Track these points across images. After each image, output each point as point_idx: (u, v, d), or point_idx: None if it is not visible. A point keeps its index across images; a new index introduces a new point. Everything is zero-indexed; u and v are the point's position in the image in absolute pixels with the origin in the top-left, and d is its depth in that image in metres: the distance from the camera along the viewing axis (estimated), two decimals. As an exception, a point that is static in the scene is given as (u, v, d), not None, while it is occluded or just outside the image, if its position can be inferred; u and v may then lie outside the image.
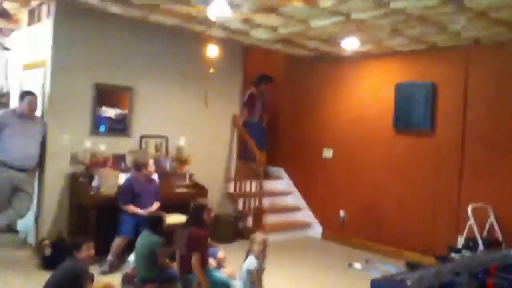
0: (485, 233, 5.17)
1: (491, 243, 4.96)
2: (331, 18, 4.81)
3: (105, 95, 5.62)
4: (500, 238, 5.07)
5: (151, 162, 5.24)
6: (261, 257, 4.01)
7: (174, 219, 5.09)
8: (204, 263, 4.11)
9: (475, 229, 5.03)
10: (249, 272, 3.93)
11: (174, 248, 4.46)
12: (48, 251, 4.73)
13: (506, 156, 5.24)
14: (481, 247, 4.87)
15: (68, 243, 4.34)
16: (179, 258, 4.24)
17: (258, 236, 4.11)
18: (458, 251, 4.87)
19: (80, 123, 5.41)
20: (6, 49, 6.75)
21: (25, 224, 5.55)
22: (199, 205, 4.35)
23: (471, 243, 4.96)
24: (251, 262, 3.96)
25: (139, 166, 5.10)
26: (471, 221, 5.08)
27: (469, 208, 5.10)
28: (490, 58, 5.42)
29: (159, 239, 4.37)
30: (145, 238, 4.41)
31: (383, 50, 6.14)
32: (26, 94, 5.06)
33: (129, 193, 4.96)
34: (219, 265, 4.65)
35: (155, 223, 4.47)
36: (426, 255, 5.36)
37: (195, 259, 4.03)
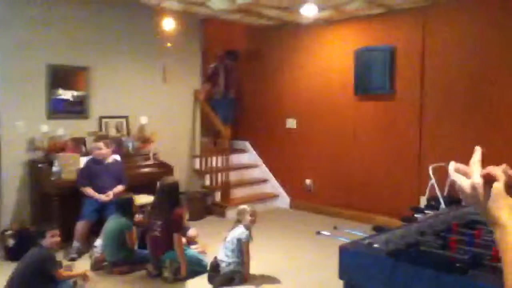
0: (445, 192, 5.34)
1: (452, 201, 5.12)
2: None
3: (60, 76, 5.41)
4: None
5: (102, 144, 5.05)
6: (251, 227, 4.10)
7: (142, 199, 5.02)
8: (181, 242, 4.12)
9: (436, 188, 5.19)
10: (240, 241, 4.00)
11: (145, 228, 4.42)
12: (10, 242, 4.59)
13: (463, 116, 5.38)
14: (442, 206, 5.03)
15: (32, 232, 4.23)
16: (152, 239, 4.18)
17: (248, 207, 4.20)
18: (421, 211, 5.00)
19: (35, 107, 5.21)
20: None
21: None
22: (172, 183, 4.29)
23: (433, 203, 5.11)
24: (242, 231, 4.03)
25: (91, 149, 5.01)
26: (432, 180, 5.24)
27: (430, 169, 5.25)
28: (447, 18, 5.48)
29: (128, 221, 4.34)
30: (113, 221, 4.36)
31: (342, 15, 6.12)
32: None
33: (87, 175, 4.84)
34: (191, 243, 4.66)
35: (121, 205, 4.44)
36: (393, 218, 5.51)
37: (178, 239, 4.00)
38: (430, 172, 5.23)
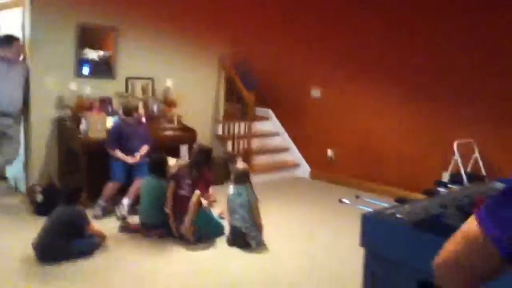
0: (469, 168, 5.30)
1: (475, 177, 5.09)
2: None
3: (88, 36, 5.44)
4: (484, 172, 5.20)
5: (140, 105, 5.14)
6: (250, 187, 4.12)
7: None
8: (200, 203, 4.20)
9: (460, 164, 5.15)
10: (250, 203, 4.03)
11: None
12: (39, 197, 4.72)
13: (490, 92, 5.25)
14: (465, 182, 5.00)
15: (62, 190, 4.28)
16: (180, 198, 4.18)
17: (240, 164, 4.28)
18: (444, 185, 4.99)
19: (63, 66, 5.27)
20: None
21: (14, 171, 5.52)
22: (207, 148, 4.49)
23: (456, 178, 5.08)
24: (248, 192, 4.06)
25: (129, 110, 5.00)
26: (456, 156, 5.19)
27: (455, 144, 5.19)
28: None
29: (165, 182, 4.29)
30: (151, 183, 4.32)
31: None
32: (12, 39, 4.87)
33: (117, 138, 4.90)
34: (209, 205, 4.73)
35: (158, 166, 4.40)
36: (413, 192, 5.49)
37: (196, 196, 4.07)
38: (455, 148, 5.18)
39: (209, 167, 4.41)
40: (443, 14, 5.51)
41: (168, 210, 4.17)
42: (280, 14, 7.37)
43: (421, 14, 5.74)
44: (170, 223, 4.17)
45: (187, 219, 4.05)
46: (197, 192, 4.11)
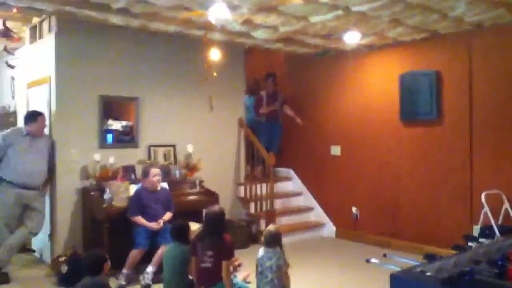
0: (500, 220, 5.11)
1: (508, 230, 4.89)
2: (330, 12, 4.80)
3: (111, 107, 5.66)
4: (516, 224, 5.01)
5: (155, 170, 5.13)
6: (282, 250, 3.93)
7: (192, 227, 5.05)
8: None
9: (490, 216, 4.97)
10: (280, 267, 3.83)
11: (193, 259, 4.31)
12: (64, 268, 4.71)
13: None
14: (497, 234, 4.81)
15: (85, 261, 4.22)
16: (203, 270, 3.95)
17: (271, 226, 4.07)
18: (475, 239, 4.81)
19: (88, 137, 5.44)
20: (11, 66, 6.80)
21: (40, 242, 5.57)
22: (219, 212, 4.15)
23: (487, 231, 4.90)
24: (279, 256, 3.86)
25: (143, 174, 5.13)
26: (486, 208, 5.02)
27: (483, 196, 5.04)
28: (492, 41, 5.37)
29: (187, 248, 4.15)
30: (174, 250, 4.24)
31: (385, 41, 6.10)
32: (37, 115, 5.09)
33: (137, 204, 4.95)
34: (234, 271, 4.61)
35: (180, 232, 4.32)
36: (443, 247, 5.31)
37: (227, 267, 3.90)
38: (483, 200, 5.02)
39: (224, 230, 4.07)
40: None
41: (192, 277, 4.08)
42: (295, 74, 7.56)
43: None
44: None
45: None
46: (225, 263, 3.95)
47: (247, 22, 5.18)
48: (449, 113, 5.73)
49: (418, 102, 5.94)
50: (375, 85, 6.48)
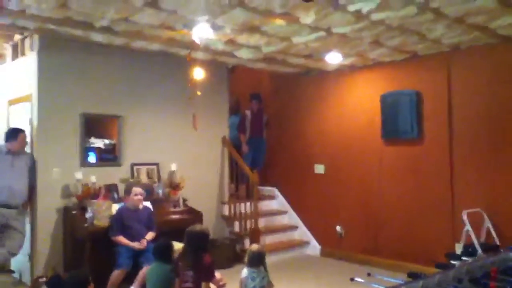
0: (483, 238, 5.17)
1: (489, 248, 4.94)
2: (313, 34, 4.88)
3: (93, 125, 5.61)
4: (497, 242, 5.07)
5: (137, 189, 5.07)
6: (265, 270, 3.92)
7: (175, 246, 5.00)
8: None
9: (472, 235, 5.03)
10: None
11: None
12: (44, 289, 4.62)
13: (494, 160, 5.27)
14: (479, 252, 4.85)
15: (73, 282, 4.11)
16: None
17: (254, 245, 4.07)
18: (457, 257, 4.84)
19: (69, 155, 5.37)
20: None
21: (19, 262, 5.43)
22: (200, 231, 4.11)
23: (469, 249, 4.94)
24: (264, 275, 3.85)
25: (125, 192, 5.11)
26: (467, 227, 5.08)
27: (464, 214, 5.11)
28: (469, 62, 5.51)
29: (171, 267, 4.11)
30: (156, 270, 4.19)
31: (366, 62, 6.22)
32: (17, 132, 5.04)
33: (119, 224, 4.89)
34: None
35: (163, 252, 4.27)
36: (426, 265, 5.33)
37: None
38: (465, 218, 5.09)
39: (205, 250, 4.02)
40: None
41: None
42: (278, 94, 7.63)
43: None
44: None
45: None
46: (204, 284, 3.92)
47: (230, 42, 5.23)
48: (429, 132, 5.82)
49: (399, 122, 6.03)
50: (358, 105, 6.57)
